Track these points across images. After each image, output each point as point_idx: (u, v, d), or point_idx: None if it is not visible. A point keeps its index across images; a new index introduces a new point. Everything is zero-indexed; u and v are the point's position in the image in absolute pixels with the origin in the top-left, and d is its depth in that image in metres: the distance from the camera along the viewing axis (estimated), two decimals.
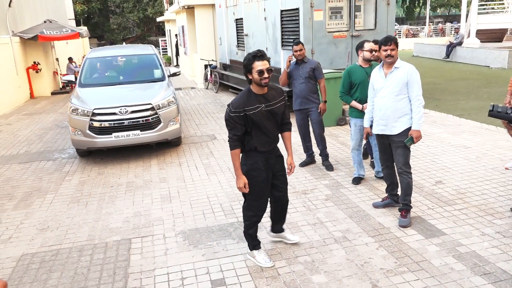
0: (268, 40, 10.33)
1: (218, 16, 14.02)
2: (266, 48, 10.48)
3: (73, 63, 16.59)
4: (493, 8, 24.75)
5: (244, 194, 3.64)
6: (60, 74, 16.45)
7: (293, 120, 4.82)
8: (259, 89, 3.37)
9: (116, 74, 8.17)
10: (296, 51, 5.69)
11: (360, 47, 5.21)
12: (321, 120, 5.94)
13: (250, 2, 11.14)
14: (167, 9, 25.10)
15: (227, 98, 12.78)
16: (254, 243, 3.77)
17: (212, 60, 14.99)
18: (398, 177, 4.38)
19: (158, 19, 29.41)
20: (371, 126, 4.55)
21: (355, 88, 5.22)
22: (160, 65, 8.24)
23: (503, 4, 23.17)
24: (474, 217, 4.38)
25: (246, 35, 11.65)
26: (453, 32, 31.90)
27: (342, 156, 6.57)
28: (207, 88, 15.07)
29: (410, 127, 4.18)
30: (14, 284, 3.64)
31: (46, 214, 5.01)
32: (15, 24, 13.98)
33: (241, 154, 3.53)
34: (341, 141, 7.43)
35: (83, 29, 19.21)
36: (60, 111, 11.81)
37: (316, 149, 6.26)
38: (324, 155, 6.07)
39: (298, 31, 8.88)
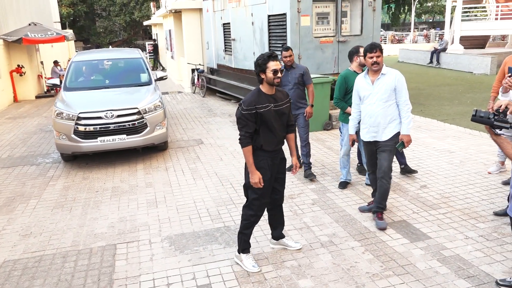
0: (256, 45, 10.36)
1: (206, 21, 14.02)
2: (254, 53, 10.51)
3: (58, 67, 16.40)
4: (476, 16, 25.23)
5: (246, 193, 3.69)
6: (45, 78, 16.23)
7: None
8: (269, 89, 3.50)
9: (102, 77, 8.10)
10: (285, 56, 5.62)
11: (355, 52, 5.20)
12: (308, 125, 5.90)
13: (238, 7, 11.17)
14: (154, 13, 25.03)
15: (214, 102, 12.77)
16: (244, 246, 3.77)
17: (199, 64, 14.97)
18: (377, 181, 4.37)
19: (145, 23, 29.29)
20: (357, 133, 4.58)
21: (350, 94, 5.11)
22: (147, 69, 8.20)
23: (486, 11, 23.65)
24: (458, 221, 4.44)
25: (234, 39, 11.67)
26: (437, 38, 32.40)
27: (328, 161, 6.60)
28: (194, 93, 15.04)
29: (399, 132, 4.22)
30: None
31: (29, 220, 4.93)
32: None
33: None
34: (327, 145, 7.47)
35: (69, 32, 19.01)
36: (44, 115, 11.65)
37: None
38: (307, 164, 5.87)
39: (285, 36, 8.92)
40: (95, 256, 4.05)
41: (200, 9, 14.73)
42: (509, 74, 3.71)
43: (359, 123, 4.53)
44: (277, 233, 4.01)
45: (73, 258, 4.03)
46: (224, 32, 12.41)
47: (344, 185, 5.49)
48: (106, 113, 6.58)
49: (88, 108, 6.66)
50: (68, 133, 6.55)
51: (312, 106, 5.87)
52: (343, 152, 5.43)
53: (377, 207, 4.40)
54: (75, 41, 24.99)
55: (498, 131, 2.87)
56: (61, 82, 8.05)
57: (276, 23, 9.31)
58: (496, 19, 20.41)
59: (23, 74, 14.32)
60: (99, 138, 6.57)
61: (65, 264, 3.92)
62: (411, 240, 4.09)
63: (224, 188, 5.68)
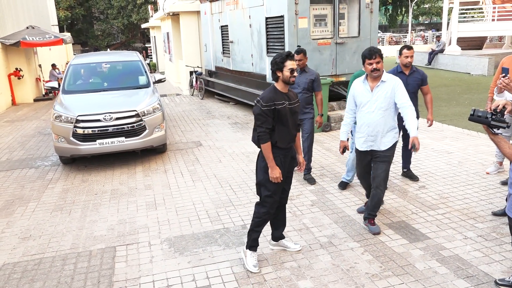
0: (254, 47, 10.38)
1: (204, 23, 14.04)
2: (252, 55, 10.53)
3: (56, 70, 16.39)
4: (473, 17, 25.33)
5: (259, 191, 3.71)
6: (43, 81, 16.23)
7: None
8: (283, 87, 3.59)
9: (101, 80, 8.10)
10: (296, 60, 5.37)
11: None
12: (313, 131, 5.76)
13: (235, 10, 11.19)
14: (152, 16, 25.04)
15: (213, 104, 12.78)
16: (253, 244, 3.78)
17: (198, 66, 14.98)
18: (372, 190, 4.26)
19: (143, 26, 29.30)
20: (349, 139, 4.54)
21: None
22: (145, 71, 8.20)
23: (483, 13, 23.74)
24: (457, 221, 4.45)
25: (232, 42, 11.69)
26: (434, 39, 32.53)
27: (327, 162, 6.62)
28: (192, 95, 15.04)
29: (397, 141, 4.15)
30: None
31: (28, 223, 4.92)
32: None
33: (259, 150, 3.66)
34: (326, 147, 7.48)
35: (67, 35, 19.02)
36: (43, 118, 11.64)
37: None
38: (307, 169, 5.84)
39: (283, 38, 8.94)
40: (94, 258, 4.05)
41: (198, 12, 14.76)
42: (503, 75, 3.71)
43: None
44: (278, 233, 4.01)
45: (73, 260, 4.03)
46: (222, 34, 12.43)
47: (344, 185, 5.49)
48: (105, 116, 6.58)
49: (86, 111, 6.66)
50: (67, 135, 6.55)
51: (322, 115, 5.74)
52: (353, 155, 5.26)
53: (369, 214, 4.33)
54: (73, 44, 24.99)
55: (495, 130, 2.89)
56: (59, 85, 8.05)
57: (274, 25, 9.33)
58: (493, 20, 20.50)
59: (21, 77, 14.31)
60: (98, 141, 6.57)
61: (65, 267, 3.92)
62: (410, 241, 4.10)
63: (223, 190, 5.69)
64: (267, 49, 9.72)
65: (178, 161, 7.10)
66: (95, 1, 40.39)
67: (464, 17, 21.84)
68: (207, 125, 9.76)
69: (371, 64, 3.93)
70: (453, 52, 19.68)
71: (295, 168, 3.88)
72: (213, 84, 13.63)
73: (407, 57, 5.14)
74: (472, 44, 22.40)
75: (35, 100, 15.13)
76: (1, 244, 4.44)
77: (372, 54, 3.92)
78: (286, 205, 3.96)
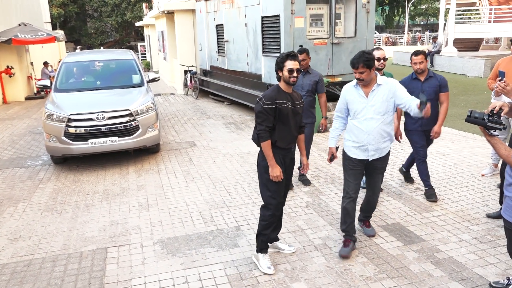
0: (249, 46, 10.37)
1: (199, 22, 14.01)
2: (247, 55, 10.53)
3: (48, 68, 16.29)
4: (469, 18, 25.48)
5: (262, 193, 3.71)
6: (35, 79, 16.12)
7: None
8: (286, 87, 3.59)
9: (93, 79, 8.06)
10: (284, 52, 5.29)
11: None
12: (312, 136, 5.68)
13: (231, 8, 11.18)
14: (146, 14, 24.98)
15: (207, 104, 12.77)
16: (262, 246, 3.78)
17: (192, 66, 14.95)
18: (367, 197, 4.16)
19: (137, 24, 29.21)
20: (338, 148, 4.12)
21: None
22: (139, 70, 8.17)
23: (479, 14, 23.90)
24: (451, 224, 4.47)
25: (227, 41, 11.68)
26: (431, 40, 32.67)
27: (322, 163, 6.62)
28: (186, 94, 15.01)
29: (390, 150, 3.97)
30: None
31: (18, 223, 4.88)
32: None
33: (259, 150, 3.66)
34: (321, 148, 7.49)
35: (60, 33, 18.89)
36: (34, 117, 11.57)
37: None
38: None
39: (279, 37, 8.94)
40: (85, 260, 4.03)
41: (193, 10, 14.73)
42: (499, 78, 3.73)
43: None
44: (273, 235, 3.99)
45: (63, 262, 4.00)
46: (217, 33, 12.41)
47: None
48: (97, 115, 6.55)
49: (79, 110, 6.63)
50: (59, 135, 6.51)
51: (326, 118, 5.61)
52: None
53: (364, 217, 4.34)
54: (66, 42, 24.86)
55: (492, 132, 2.90)
56: (51, 83, 8.01)
57: (270, 25, 9.33)
58: (490, 21, 20.63)
59: (12, 75, 14.21)
60: (90, 140, 6.54)
61: (55, 268, 3.89)
62: (405, 243, 4.11)
63: (217, 190, 5.68)
64: (263, 48, 9.71)
65: (171, 161, 7.07)
66: None
67: (461, 18, 21.95)
68: (201, 125, 9.74)
69: (355, 73, 3.67)
70: (449, 53, 19.79)
71: (300, 170, 3.87)
72: (207, 84, 13.61)
73: (415, 63, 4.86)
74: (468, 45, 22.56)
75: (26, 99, 15.03)
76: None
77: (354, 63, 3.62)
78: None
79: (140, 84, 7.80)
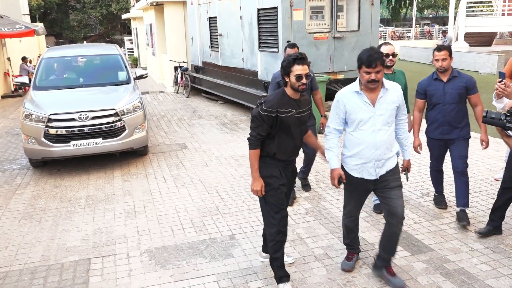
0: (244, 41, 10.40)
1: (190, 14, 14.03)
2: (242, 50, 10.55)
3: (27, 63, 16.26)
4: (482, 11, 25.66)
5: (262, 209, 3.61)
6: (12, 76, 16.08)
7: None
8: (294, 93, 3.43)
9: (76, 76, 8.07)
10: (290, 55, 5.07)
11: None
12: (316, 139, 5.58)
13: (225, 0, 11.21)
14: (133, 6, 24.98)
15: (199, 103, 12.78)
16: (281, 274, 3.59)
17: (183, 61, 14.97)
18: (388, 229, 3.57)
19: (124, 16, 29.21)
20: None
21: None
22: (125, 66, 8.18)
23: (492, 6, 24.08)
24: (462, 232, 4.49)
25: (220, 35, 11.70)
26: (440, 35, 32.86)
27: (323, 167, 6.64)
28: (177, 92, 15.02)
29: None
30: None
31: None
32: None
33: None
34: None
35: (39, 25, 18.87)
36: (11, 117, 11.53)
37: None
38: (306, 174, 5.79)
39: (277, 31, 8.97)
40: (66, 271, 4.02)
41: (184, 2, 14.75)
42: (499, 80, 3.75)
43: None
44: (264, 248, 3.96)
45: (43, 274, 3.99)
46: (210, 26, 12.43)
47: (379, 207, 4.99)
48: (80, 115, 6.55)
49: (60, 109, 6.62)
50: (38, 136, 6.49)
51: (325, 117, 5.54)
52: None
53: (385, 261, 3.66)
54: (46, 35, 24.82)
55: (510, 132, 2.91)
56: (30, 80, 7.99)
57: (267, 18, 9.36)
58: (503, 14, 20.76)
59: None
60: (72, 142, 6.53)
61: (34, 281, 3.88)
62: (412, 253, 4.12)
63: (210, 196, 5.68)
64: (259, 43, 9.74)
65: (160, 165, 7.07)
66: None
67: (473, 10, 22.11)
68: (193, 126, 9.74)
69: (368, 73, 3.26)
70: (460, 48, 19.90)
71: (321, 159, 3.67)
72: (200, 81, 13.62)
73: (437, 60, 4.49)
74: (480, 40, 22.69)
75: (3, 97, 14.99)
76: None
77: (371, 61, 3.23)
78: None
79: (127, 82, 7.81)
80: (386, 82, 3.43)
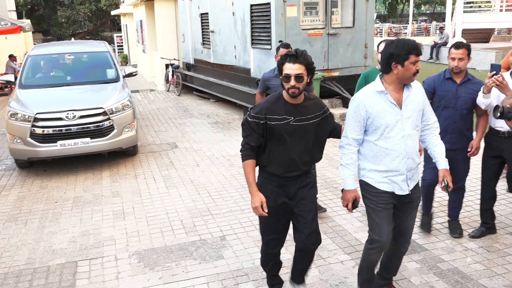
0: (237, 38, 10.41)
1: (181, 10, 14.02)
2: (235, 47, 10.56)
3: (14, 61, 16.17)
4: (480, 7, 25.81)
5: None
6: None
7: None
8: (291, 97, 2.98)
9: (63, 74, 8.06)
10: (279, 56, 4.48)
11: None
12: None
13: None
14: (123, 2, 24.91)
15: (191, 101, 12.78)
16: (272, 282, 3.52)
17: (174, 59, 14.95)
18: (394, 249, 3.33)
19: (113, 13, 29.10)
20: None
21: None
22: (114, 64, 8.17)
23: (490, 2, 24.24)
24: None
25: (212, 31, 11.70)
26: (437, 31, 33.02)
27: (317, 166, 6.65)
28: (168, 91, 15.00)
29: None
30: None
31: None
32: None
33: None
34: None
35: (26, 22, 18.78)
36: None
37: None
38: None
39: (270, 28, 8.99)
40: (53, 274, 4.02)
41: None
42: (494, 72, 3.73)
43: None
44: (293, 276, 3.54)
45: (28, 277, 3.99)
46: (201, 23, 12.43)
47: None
48: (67, 114, 6.54)
49: (46, 108, 6.60)
50: (24, 136, 6.47)
51: None
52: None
53: (385, 279, 3.52)
54: (33, 32, 24.69)
55: None
56: (16, 78, 7.97)
57: (260, 14, 9.38)
58: (501, 10, 20.91)
59: None
60: (59, 142, 6.51)
61: (19, 285, 3.88)
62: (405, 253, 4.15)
63: (201, 197, 5.70)
64: (252, 40, 9.75)
65: (150, 165, 7.08)
66: None
67: (470, 7, 22.24)
68: (184, 125, 9.75)
69: (411, 66, 2.88)
70: None
71: None
72: (191, 79, 13.62)
73: (453, 59, 4.07)
74: (478, 36, 22.82)
75: None
76: None
77: (410, 50, 2.86)
78: None
79: (116, 80, 7.80)
80: None
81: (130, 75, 8.33)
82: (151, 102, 12.97)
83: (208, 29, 11.95)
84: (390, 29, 36.81)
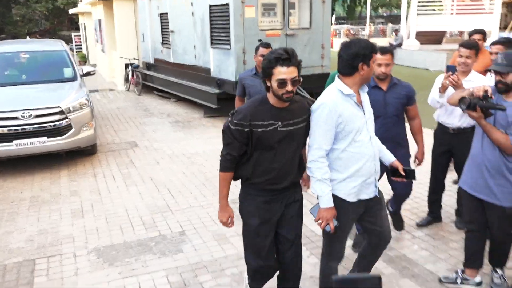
0: (196, 38, 10.46)
1: (141, 10, 13.91)
2: (194, 46, 10.60)
3: None
4: (434, 10, 26.73)
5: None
6: None
7: None
8: (278, 101, 2.70)
9: (18, 72, 7.89)
10: (263, 55, 4.23)
11: None
12: None
13: None
14: (81, 0, 24.41)
15: (151, 101, 12.72)
16: None
17: (134, 58, 14.82)
18: (374, 252, 3.33)
19: (71, 11, 28.45)
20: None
21: None
22: (71, 63, 8.08)
23: (442, 6, 25.17)
24: (406, 221, 4.76)
25: (172, 31, 11.70)
26: (393, 33, 34.02)
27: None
28: (128, 90, 14.85)
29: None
30: None
31: None
32: None
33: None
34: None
35: None
36: None
37: None
38: None
39: (229, 28, 9.09)
40: (9, 273, 3.99)
41: None
42: (450, 73, 3.96)
43: None
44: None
45: None
46: (161, 23, 12.40)
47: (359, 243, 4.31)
48: (23, 113, 6.43)
49: (1, 107, 6.47)
50: None
51: None
52: None
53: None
54: None
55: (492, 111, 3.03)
56: None
57: (219, 14, 9.46)
58: (452, 14, 21.79)
59: None
60: (15, 142, 6.40)
61: None
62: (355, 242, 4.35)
63: (160, 194, 5.74)
64: (211, 40, 9.83)
65: (109, 163, 7.05)
66: None
67: (425, 9, 23.01)
68: (144, 124, 9.72)
69: (380, 66, 3.33)
70: (411, 46, 20.69)
71: (301, 184, 3.10)
72: (151, 78, 13.55)
73: (380, 65, 3.71)
74: (431, 38, 23.65)
75: None
76: None
77: (374, 48, 2.81)
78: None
79: (73, 79, 7.73)
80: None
81: (88, 74, 8.25)
82: (111, 102, 12.82)
83: (168, 29, 11.93)
84: (349, 31, 37.65)
